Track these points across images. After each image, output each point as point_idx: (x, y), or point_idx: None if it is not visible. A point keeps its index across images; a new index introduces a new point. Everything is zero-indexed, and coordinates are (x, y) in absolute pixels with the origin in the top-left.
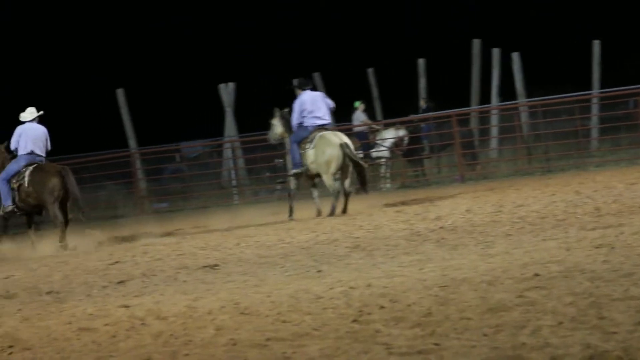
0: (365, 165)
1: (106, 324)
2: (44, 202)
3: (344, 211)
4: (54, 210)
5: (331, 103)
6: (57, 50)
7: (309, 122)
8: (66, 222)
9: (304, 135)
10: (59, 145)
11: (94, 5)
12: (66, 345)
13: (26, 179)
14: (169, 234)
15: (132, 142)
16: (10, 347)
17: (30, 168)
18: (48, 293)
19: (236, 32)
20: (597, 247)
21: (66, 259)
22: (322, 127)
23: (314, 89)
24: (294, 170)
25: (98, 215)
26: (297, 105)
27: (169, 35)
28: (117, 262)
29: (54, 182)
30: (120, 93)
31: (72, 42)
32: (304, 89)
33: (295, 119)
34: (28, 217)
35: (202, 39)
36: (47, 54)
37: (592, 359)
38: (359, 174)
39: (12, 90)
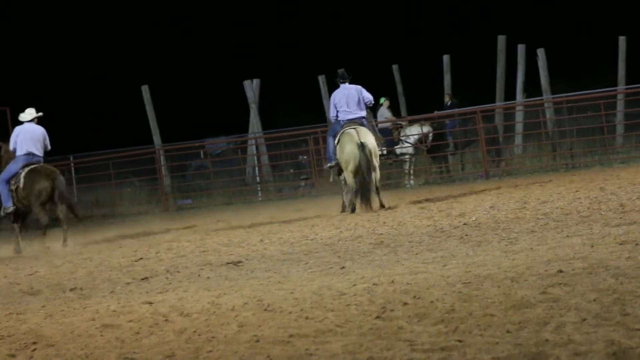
0: (374, 172)
1: (130, 321)
2: (30, 204)
3: (382, 205)
4: (38, 211)
5: (368, 97)
6: (83, 47)
7: (341, 116)
8: (69, 221)
9: (336, 129)
10: (85, 142)
11: (120, 2)
12: (90, 341)
13: (21, 180)
14: (192, 230)
15: (156, 138)
16: (34, 343)
17: (26, 170)
18: (72, 290)
19: (259, 28)
20: (621, 244)
21: (90, 255)
22: (352, 122)
23: (352, 82)
24: (328, 164)
25: (123, 211)
26: (331, 98)
27: (193, 32)
28: (141, 258)
29: (43, 185)
30: (145, 90)
31: (98, 40)
32: (341, 82)
33: (330, 113)
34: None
35: (227, 35)
36: (72, 50)
37: (616, 356)
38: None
39: (40, 89)
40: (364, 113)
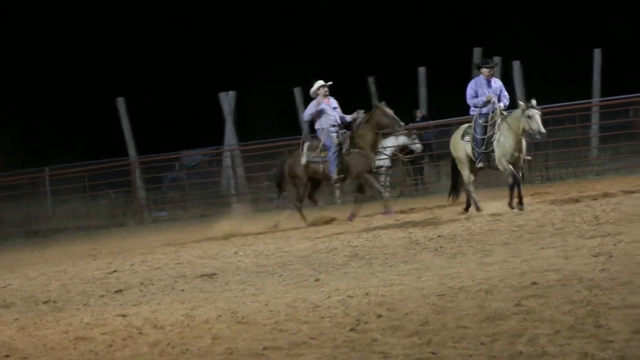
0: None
1: (103, 333)
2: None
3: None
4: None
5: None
6: (57, 58)
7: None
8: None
9: None
10: (60, 154)
11: (93, 14)
12: (63, 354)
13: None
14: (168, 243)
15: (131, 150)
16: (7, 356)
17: None
18: (45, 302)
19: (236, 42)
20: (595, 256)
21: (64, 267)
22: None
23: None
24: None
25: (97, 224)
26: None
27: (168, 44)
28: (115, 271)
29: None
30: (120, 102)
31: (72, 51)
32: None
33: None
34: None
35: (202, 48)
36: (47, 63)
37: None
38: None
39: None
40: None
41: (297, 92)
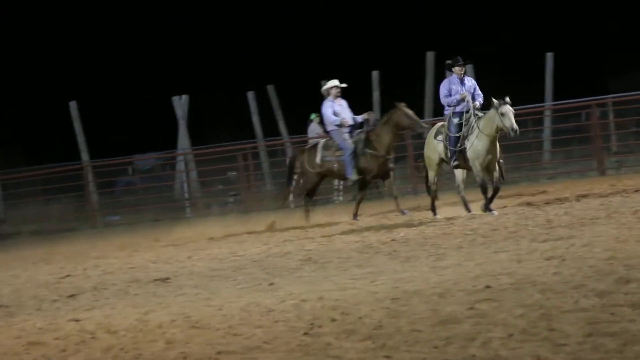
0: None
1: (56, 338)
2: None
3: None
4: None
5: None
6: (9, 62)
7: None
8: None
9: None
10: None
11: (41, 17)
12: (15, 359)
13: None
14: (121, 247)
15: (84, 154)
16: None
17: None
18: None
19: (187, 44)
20: (548, 259)
21: (17, 272)
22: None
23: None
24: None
25: (50, 228)
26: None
27: (121, 47)
28: (68, 275)
29: None
30: (73, 106)
31: (24, 55)
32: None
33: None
34: None
35: (154, 52)
36: None
37: None
38: None
39: None
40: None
41: (251, 95)
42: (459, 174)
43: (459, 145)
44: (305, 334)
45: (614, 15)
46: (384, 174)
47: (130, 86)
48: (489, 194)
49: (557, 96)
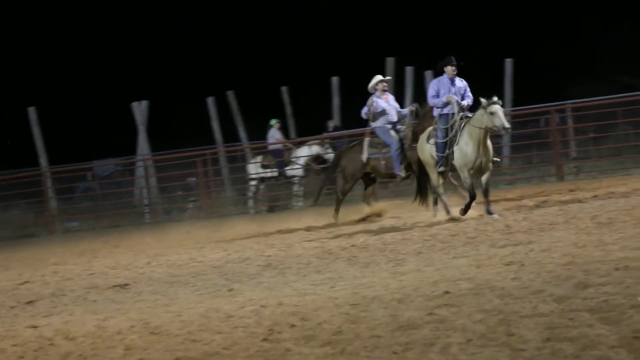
0: None
1: (14, 345)
2: None
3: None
4: None
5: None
6: None
7: None
8: None
9: None
10: None
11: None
12: None
13: None
14: (80, 253)
15: (43, 160)
16: None
17: None
18: None
19: (148, 50)
20: (507, 265)
21: None
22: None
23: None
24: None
25: (8, 234)
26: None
27: (80, 53)
28: (26, 282)
29: None
30: (31, 111)
31: None
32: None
33: None
34: None
35: (114, 57)
36: None
37: None
38: None
39: None
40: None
41: (210, 101)
42: (435, 177)
43: (445, 150)
44: (265, 339)
45: (572, 22)
46: None
47: (90, 92)
48: (473, 199)
49: (516, 102)
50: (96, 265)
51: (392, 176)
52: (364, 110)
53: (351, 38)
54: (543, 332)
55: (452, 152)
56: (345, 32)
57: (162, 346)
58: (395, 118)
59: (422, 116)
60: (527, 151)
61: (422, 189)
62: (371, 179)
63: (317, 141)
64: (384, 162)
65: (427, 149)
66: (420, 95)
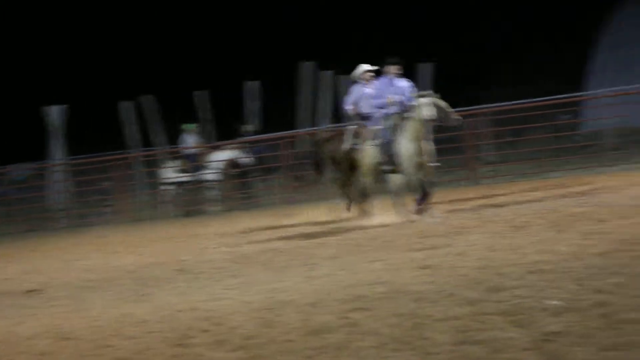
0: None
1: None
2: None
3: None
4: None
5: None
6: None
7: None
8: None
9: None
10: None
11: None
12: None
13: None
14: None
15: None
16: None
17: None
18: None
19: (63, 54)
20: (422, 268)
21: None
22: None
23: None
24: None
25: None
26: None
27: None
28: None
29: None
30: None
31: None
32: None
33: None
34: None
35: (28, 61)
36: None
37: None
38: None
39: None
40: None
41: (126, 105)
42: (395, 178)
43: (387, 150)
44: (178, 344)
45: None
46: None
47: (2, 96)
48: (420, 196)
49: None
50: (11, 270)
51: None
52: (349, 99)
53: (267, 42)
54: (455, 335)
55: (395, 150)
56: (262, 36)
57: (74, 352)
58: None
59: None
60: (441, 156)
61: (358, 192)
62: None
63: (233, 145)
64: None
65: (368, 152)
66: (338, 99)
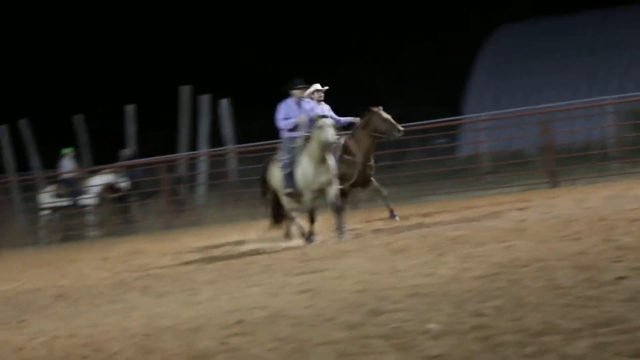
0: None
1: None
2: None
3: None
4: None
5: None
6: None
7: None
8: None
9: None
10: None
11: None
12: None
13: None
14: None
15: None
16: None
17: None
18: None
19: None
20: (301, 292)
21: None
22: None
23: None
24: None
25: None
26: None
27: None
28: None
29: None
30: None
31: None
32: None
33: None
34: None
35: None
36: None
37: None
38: None
39: None
40: None
41: (2, 130)
42: (286, 201)
43: (289, 172)
44: None
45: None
46: (363, 182)
47: None
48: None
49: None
50: None
51: None
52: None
53: (146, 66)
54: (336, 358)
55: (295, 173)
56: (141, 60)
57: None
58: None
59: (356, 128)
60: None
61: (276, 214)
62: None
63: (111, 170)
64: None
65: (275, 174)
66: (216, 122)
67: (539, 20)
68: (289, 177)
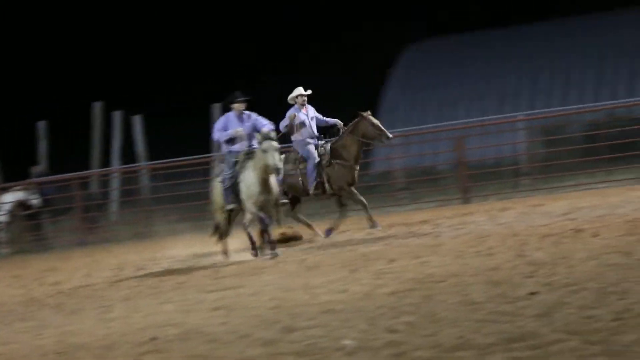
0: None
1: None
2: None
3: None
4: None
5: None
6: None
7: None
8: None
9: None
10: None
11: None
12: None
13: None
14: None
15: None
16: None
17: None
18: None
19: None
20: (215, 309)
21: None
22: None
23: None
24: None
25: None
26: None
27: None
28: None
29: None
30: None
31: None
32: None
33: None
34: None
35: None
36: None
37: None
38: None
39: None
40: None
41: None
42: (222, 217)
43: (231, 186)
44: None
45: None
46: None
47: None
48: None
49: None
50: None
51: (307, 193)
52: (284, 123)
53: (58, 83)
54: None
55: (238, 186)
56: (53, 76)
57: None
58: (315, 132)
59: (344, 132)
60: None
61: (218, 228)
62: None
63: (22, 187)
64: (300, 178)
65: (216, 188)
66: (128, 139)
67: (450, 37)
68: (230, 191)
